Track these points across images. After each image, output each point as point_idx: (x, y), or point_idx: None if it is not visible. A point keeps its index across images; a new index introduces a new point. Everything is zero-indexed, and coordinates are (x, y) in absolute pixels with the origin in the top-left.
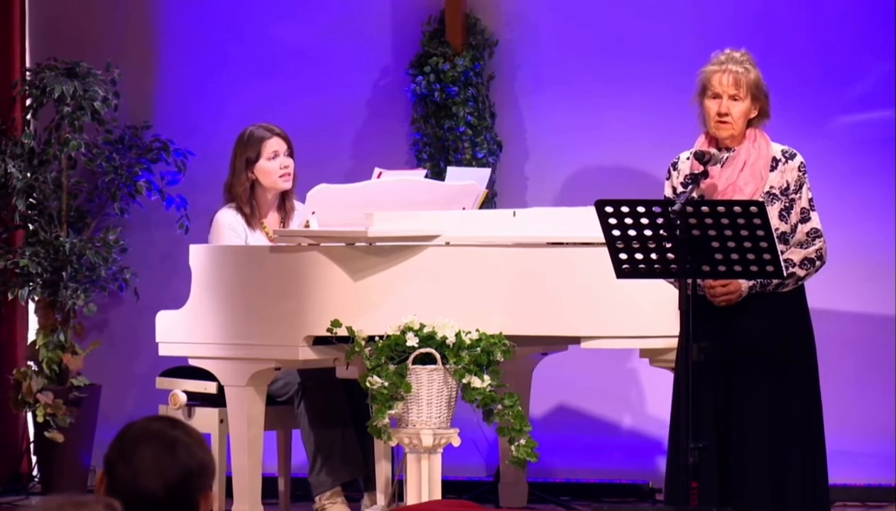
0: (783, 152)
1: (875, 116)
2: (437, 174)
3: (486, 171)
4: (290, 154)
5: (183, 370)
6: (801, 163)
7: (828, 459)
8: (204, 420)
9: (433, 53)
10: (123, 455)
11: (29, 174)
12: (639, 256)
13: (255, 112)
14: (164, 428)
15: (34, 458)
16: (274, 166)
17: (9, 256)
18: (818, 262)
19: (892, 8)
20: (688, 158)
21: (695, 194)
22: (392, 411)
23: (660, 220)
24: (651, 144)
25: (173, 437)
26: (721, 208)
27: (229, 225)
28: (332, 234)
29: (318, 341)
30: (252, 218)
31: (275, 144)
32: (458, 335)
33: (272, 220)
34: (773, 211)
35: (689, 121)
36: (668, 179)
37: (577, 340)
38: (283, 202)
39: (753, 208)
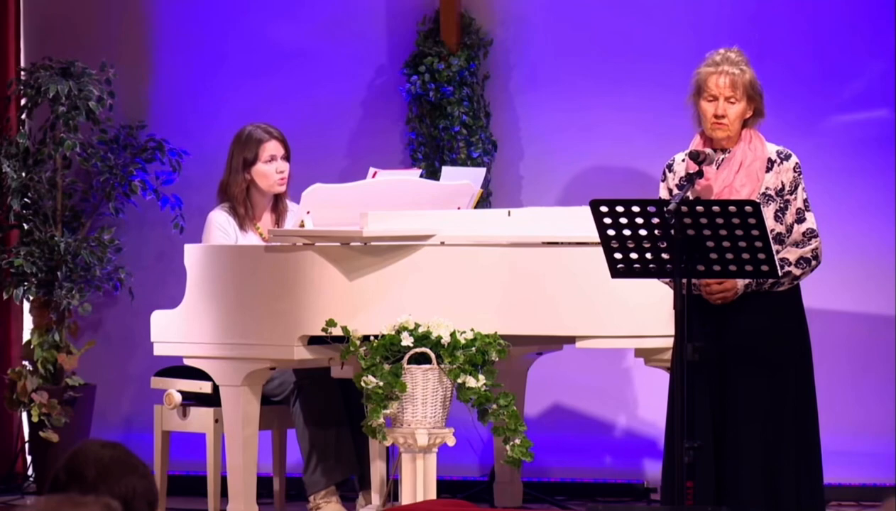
0: (778, 153)
1: (871, 116)
2: (432, 174)
3: (481, 171)
4: (287, 157)
5: (178, 370)
6: (797, 163)
7: (824, 459)
8: (199, 420)
9: (428, 53)
10: (69, 471)
11: (24, 174)
12: (634, 256)
13: (250, 111)
14: (103, 447)
15: (29, 458)
16: (270, 170)
17: (4, 256)
18: (814, 262)
19: (888, 6)
20: (683, 160)
21: (689, 194)
22: (387, 411)
23: (655, 220)
24: (646, 144)
25: (114, 456)
26: (716, 208)
27: (220, 226)
28: (326, 233)
29: (313, 341)
30: (246, 219)
31: (272, 148)
32: (452, 335)
33: (266, 221)
34: (768, 212)
35: (684, 120)
36: (663, 181)
37: (572, 340)
38: (277, 203)
39: (748, 208)
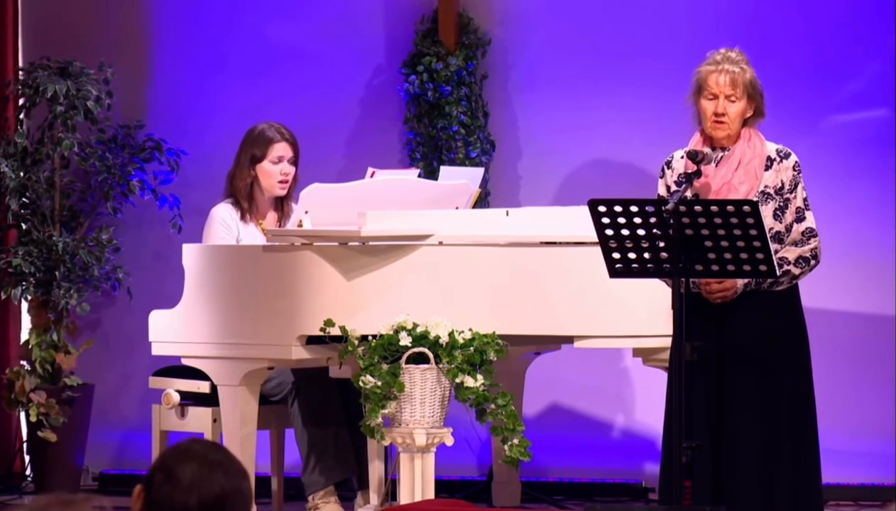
0: (778, 151)
1: (870, 115)
2: (430, 173)
3: (479, 171)
4: (295, 161)
5: (176, 369)
6: (796, 162)
7: (823, 458)
8: (197, 419)
9: (426, 53)
10: (165, 469)
11: (22, 173)
12: (632, 256)
13: (249, 111)
14: (206, 449)
15: (27, 458)
16: (275, 171)
17: (2, 256)
18: (812, 262)
19: (887, 6)
20: (682, 157)
21: (688, 193)
22: (385, 411)
23: (653, 220)
24: (644, 143)
25: (214, 459)
26: (714, 208)
27: (222, 221)
28: (325, 233)
29: (311, 341)
30: (248, 213)
31: (281, 149)
32: (451, 334)
33: (270, 220)
34: (767, 210)
35: (682, 120)
36: (661, 178)
37: (570, 340)
38: (282, 204)
39: (746, 208)
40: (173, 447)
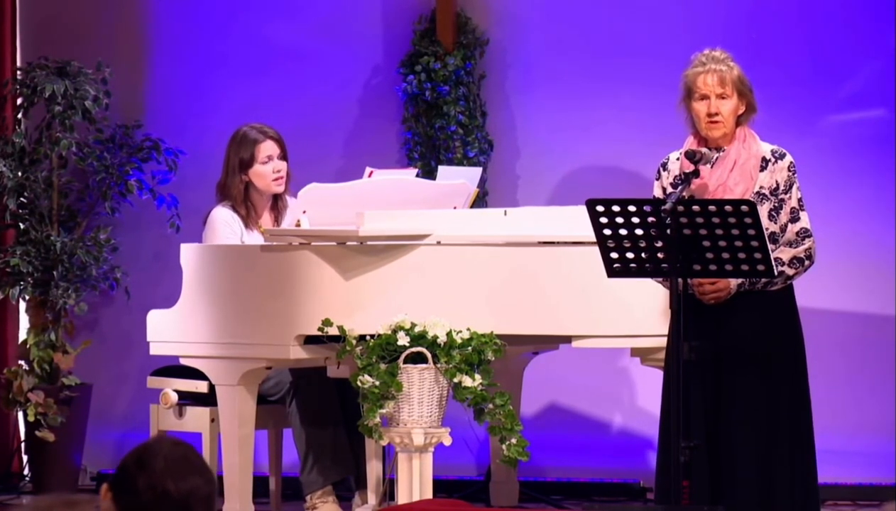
0: (773, 152)
1: (868, 115)
2: (428, 173)
3: (478, 171)
4: (284, 156)
5: (174, 369)
6: (791, 163)
7: (820, 458)
8: (195, 419)
9: (424, 52)
10: (141, 463)
11: (20, 173)
12: (630, 256)
13: (246, 111)
14: (174, 443)
15: (25, 458)
16: (267, 170)
17: (0, 255)
18: (807, 262)
19: (886, 5)
20: (678, 159)
21: (685, 194)
22: (383, 410)
23: (651, 220)
24: (642, 143)
25: (183, 456)
26: (712, 207)
27: (226, 222)
28: (323, 233)
29: (309, 340)
30: (249, 219)
31: (268, 148)
32: (449, 334)
33: (265, 220)
34: (762, 211)
35: (680, 120)
36: (657, 180)
37: (568, 339)
38: (276, 202)
39: (744, 207)
40: (141, 444)
